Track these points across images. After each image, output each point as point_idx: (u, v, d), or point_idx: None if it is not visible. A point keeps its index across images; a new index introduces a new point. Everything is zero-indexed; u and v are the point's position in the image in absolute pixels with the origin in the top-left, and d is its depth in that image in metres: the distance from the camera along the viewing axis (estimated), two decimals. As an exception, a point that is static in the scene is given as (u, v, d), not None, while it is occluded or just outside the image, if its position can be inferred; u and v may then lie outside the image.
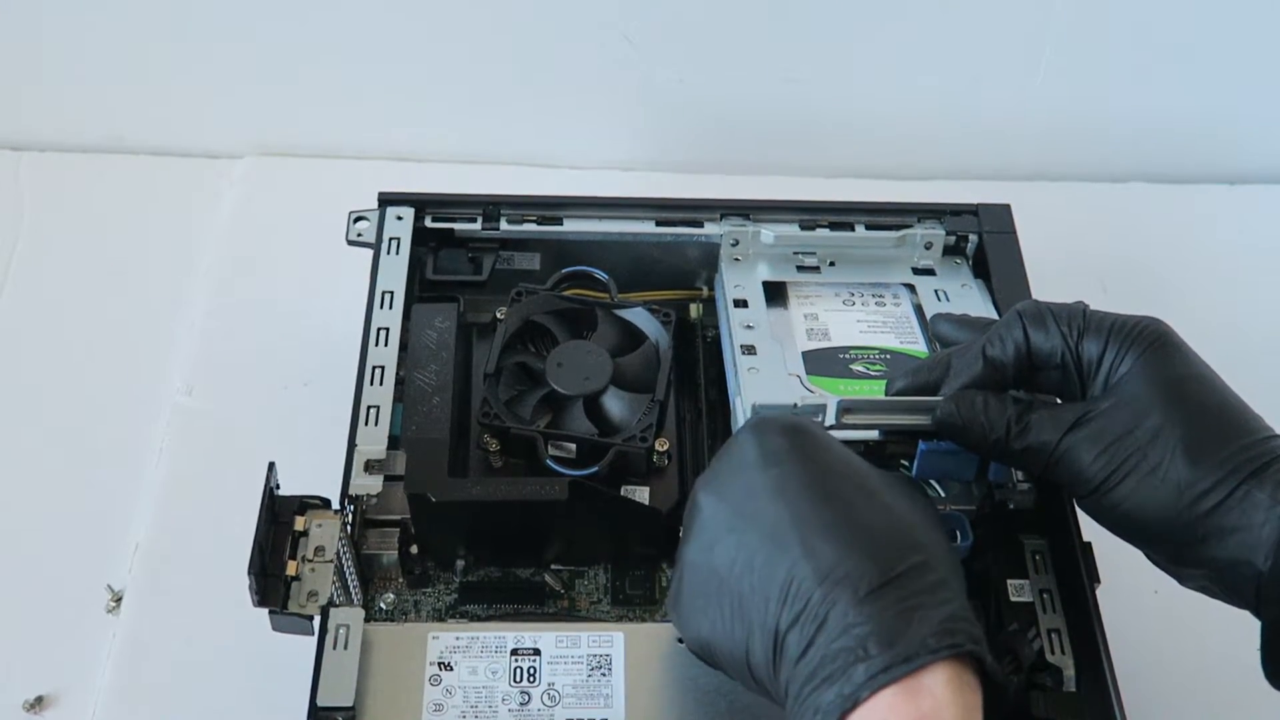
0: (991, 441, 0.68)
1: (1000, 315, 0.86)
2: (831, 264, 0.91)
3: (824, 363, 0.82)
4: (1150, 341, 0.67)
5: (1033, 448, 0.67)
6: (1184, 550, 0.64)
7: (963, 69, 1.15)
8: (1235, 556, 0.62)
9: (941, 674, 0.54)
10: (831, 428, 0.72)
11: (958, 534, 0.75)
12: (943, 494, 0.78)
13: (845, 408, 0.72)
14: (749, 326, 0.84)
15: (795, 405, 0.74)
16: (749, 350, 0.82)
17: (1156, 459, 0.64)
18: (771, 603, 0.57)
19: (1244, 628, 0.64)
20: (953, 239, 0.91)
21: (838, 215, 0.92)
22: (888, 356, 0.83)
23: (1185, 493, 0.63)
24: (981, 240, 0.91)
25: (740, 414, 0.77)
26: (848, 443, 0.72)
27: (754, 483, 0.60)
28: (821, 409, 0.72)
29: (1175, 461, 0.63)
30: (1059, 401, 0.70)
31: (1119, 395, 0.66)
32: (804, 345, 0.84)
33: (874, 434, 0.73)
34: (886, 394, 0.74)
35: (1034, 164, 1.20)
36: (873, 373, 0.82)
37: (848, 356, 0.83)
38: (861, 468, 0.63)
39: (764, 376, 0.80)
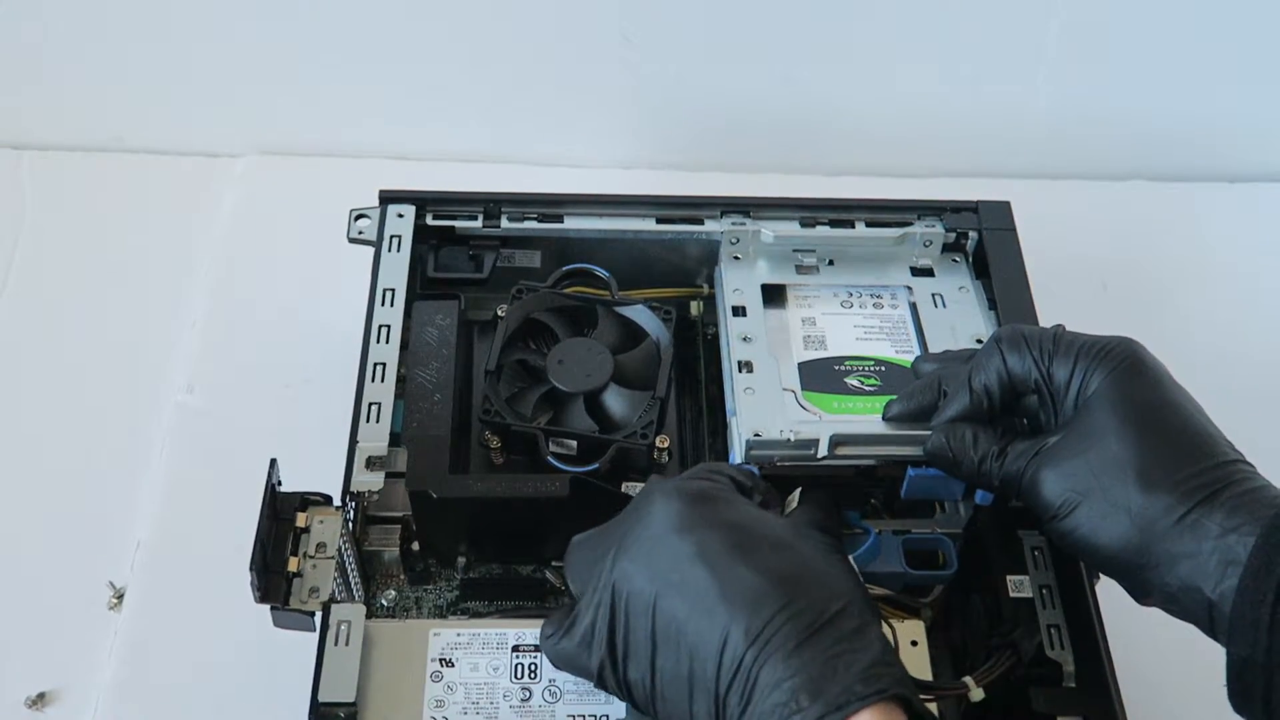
0: (979, 473, 0.71)
1: (997, 317, 0.87)
2: (830, 263, 0.90)
3: (820, 376, 0.82)
4: (1117, 362, 0.68)
5: (1008, 477, 0.69)
6: (1138, 575, 0.65)
7: (963, 67, 1.15)
8: (1186, 583, 0.62)
9: (870, 718, 0.55)
10: (825, 458, 0.75)
11: (944, 558, 0.78)
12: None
13: (838, 441, 0.75)
14: (746, 339, 0.84)
15: (790, 439, 0.76)
16: (746, 367, 0.82)
17: (1109, 484, 0.65)
18: (709, 664, 0.59)
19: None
20: (952, 236, 0.91)
21: (838, 212, 0.92)
22: (882, 369, 0.83)
23: (1136, 519, 0.63)
24: (981, 237, 0.91)
25: (737, 436, 0.78)
26: (839, 469, 0.76)
27: (675, 550, 0.61)
28: (814, 443, 0.75)
29: (1128, 487, 0.64)
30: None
31: (1081, 420, 0.67)
32: (800, 356, 0.84)
33: (867, 460, 0.76)
34: (884, 417, 0.76)
35: (1034, 162, 1.20)
36: (867, 387, 0.82)
37: (843, 368, 0.83)
38: (771, 522, 0.65)
39: (759, 398, 0.80)
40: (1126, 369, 0.67)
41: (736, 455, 0.77)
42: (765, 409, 0.79)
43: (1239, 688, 0.61)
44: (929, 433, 0.73)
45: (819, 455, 0.76)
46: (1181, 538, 0.62)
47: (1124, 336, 0.70)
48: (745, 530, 0.62)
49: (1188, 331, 1.09)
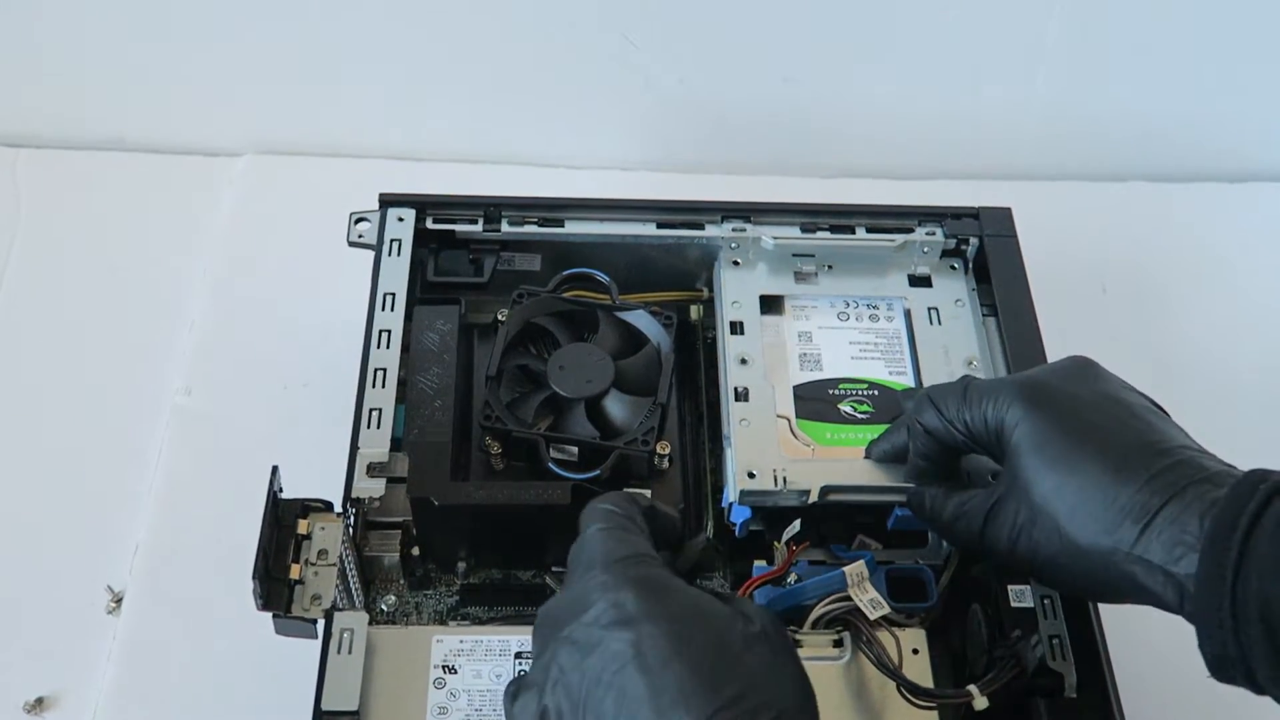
0: (950, 531, 0.73)
1: (998, 324, 0.88)
2: (829, 267, 0.90)
3: (814, 401, 0.84)
4: (1024, 406, 0.67)
5: (967, 538, 0.71)
6: (1120, 601, 0.66)
7: (963, 68, 1.15)
8: (1157, 603, 0.64)
9: None
10: (815, 504, 0.77)
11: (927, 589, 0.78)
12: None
13: (827, 490, 0.77)
14: (743, 360, 0.84)
15: (782, 490, 0.77)
16: (742, 395, 0.82)
17: (1053, 537, 0.65)
18: None
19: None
20: (953, 242, 0.91)
21: (838, 218, 0.92)
22: (875, 393, 0.84)
23: (1091, 560, 0.64)
24: (982, 243, 0.91)
25: (731, 471, 0.79)
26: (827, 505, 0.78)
27: (611, 648, 0.58)
28: (806, 493, 0.77)
29: (1067, 538, 0.65)
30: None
31: (1010, 471, 0.68)
32: (796, 378, 0.85)
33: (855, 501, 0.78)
34: (866, 456, 0.79)
35: (1034, 163, 1.20)
36: (859, 415, 0.83)
37: (837, 392, 0.84)
38: (713, 613, 0.61)
39: (754, 430, 0.81)
40: (1033, 411, 0.67)
41: (731, 490, 0.79)
42: (759, 442, 0.80)
43: (1220, 674, 0.61)
44: (910, 484, 0.77)
45: (810, 501, 0.78)
46: (1134, 570, 0.63)
47: (1026, 375, 0.71)
48: (684, 628, 0.59)
49: (1188, 332, 1.10)
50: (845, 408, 0.84)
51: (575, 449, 0.80)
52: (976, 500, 0.70)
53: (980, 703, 0.68)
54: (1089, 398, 0.68)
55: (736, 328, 0.86)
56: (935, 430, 0.72)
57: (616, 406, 0.82)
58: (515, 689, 0.63)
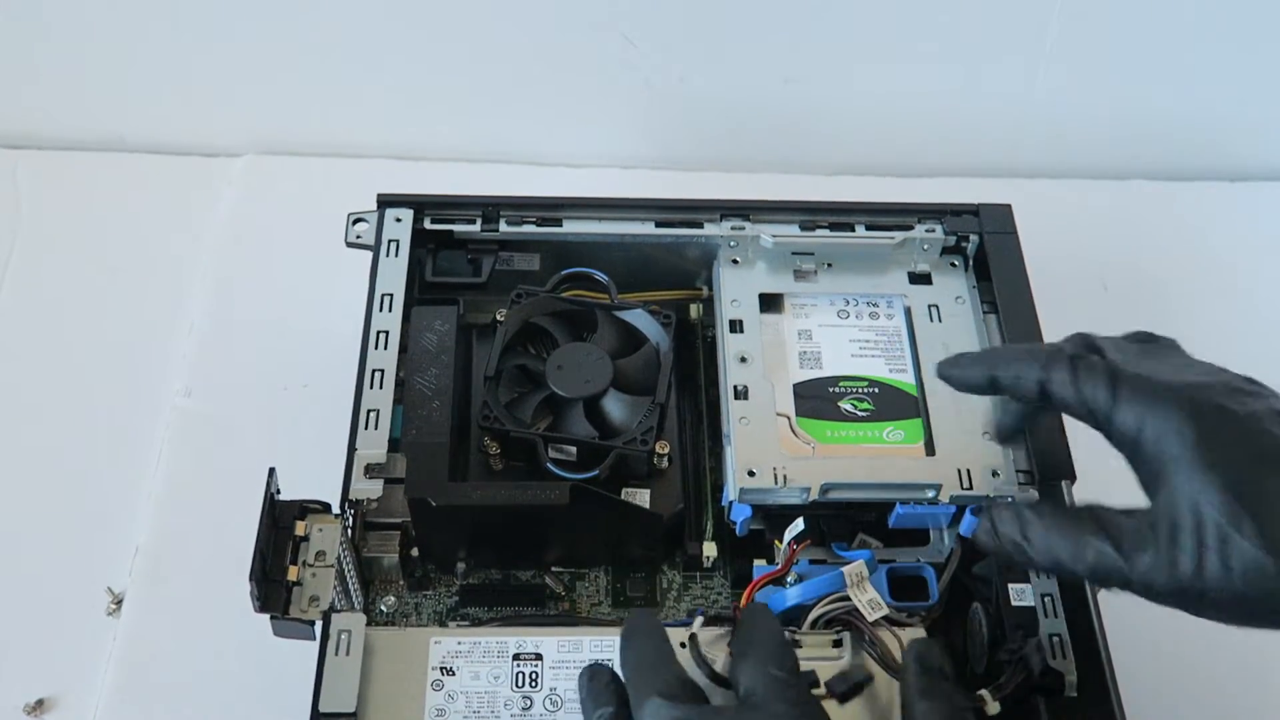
0: (1050, 568, 0.65)
1: (999, 322, 0.87)
2: (829, 265, 0.90)
3: (814, 399, 0.83)
4: (1196, 418, 0.61)
5: (1101, 577, 0.62)
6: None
7: (963, 66, 1.15)
8: None
9: None
10: (815, 502, 0.77)
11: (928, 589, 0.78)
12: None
13: (828, 488, 0.77)
14: (743, 359, 0.84)
15: (782, 488, 0.77)
16: (742, 393, 0.82)
17: (1241, 555, 0.58)
18: None
19: (1244, 633, 0.64)
20: (953, 240, 0.91)
21: (838, 216, 0.92)
22: (876, 390, 0.84)
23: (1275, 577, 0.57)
24: (982, 240, 0.90)
25: (732, 470, 0.79)
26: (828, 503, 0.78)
27: None
28: (806, 490, 0.77)
29: (1255, 554, 0.57)
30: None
31: (1176, 500, 0.59)
32: (796, 376, 0.85)
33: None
34: (938, 373, 0.73)
35: (1034, 161, 1.20)
36: (860, 413, 0.83)
37: (837, 390, 0.84)
38: None
39: (754, 428, 0.80)
40: (1207, 426, 0.60)
41: (731, 489, 0.79)
42: (759, 440, 0.80)
43: None
44: (911, 481, 0.76)
45: (812, 499, 0.77)
46: None
47: (1193, 385, 0.63)
48: None
49: (1188, 331, 1.08)
50: (845, 405, 0.83)
51: (574, 449, 0.80)
52: (1114, 532, 0.61)
53: (993, 708, 0.67)
54: (1265, 416, 0.61)
55: (736, 326, 0.86)
56: (1060, 394, 0.65)
57: (615, 406, 0.82)
58: None
